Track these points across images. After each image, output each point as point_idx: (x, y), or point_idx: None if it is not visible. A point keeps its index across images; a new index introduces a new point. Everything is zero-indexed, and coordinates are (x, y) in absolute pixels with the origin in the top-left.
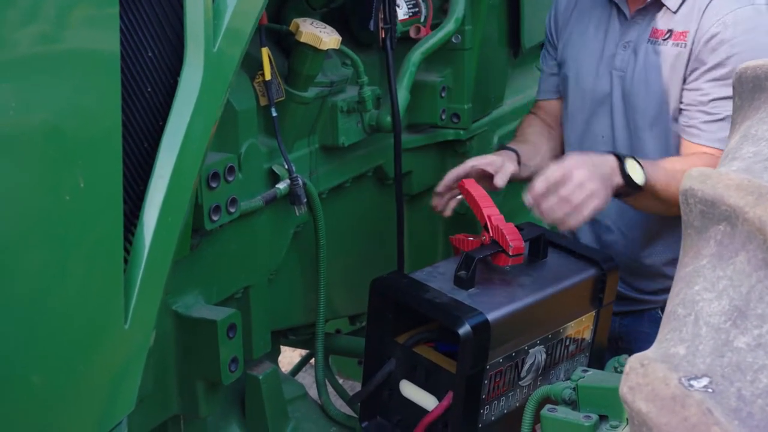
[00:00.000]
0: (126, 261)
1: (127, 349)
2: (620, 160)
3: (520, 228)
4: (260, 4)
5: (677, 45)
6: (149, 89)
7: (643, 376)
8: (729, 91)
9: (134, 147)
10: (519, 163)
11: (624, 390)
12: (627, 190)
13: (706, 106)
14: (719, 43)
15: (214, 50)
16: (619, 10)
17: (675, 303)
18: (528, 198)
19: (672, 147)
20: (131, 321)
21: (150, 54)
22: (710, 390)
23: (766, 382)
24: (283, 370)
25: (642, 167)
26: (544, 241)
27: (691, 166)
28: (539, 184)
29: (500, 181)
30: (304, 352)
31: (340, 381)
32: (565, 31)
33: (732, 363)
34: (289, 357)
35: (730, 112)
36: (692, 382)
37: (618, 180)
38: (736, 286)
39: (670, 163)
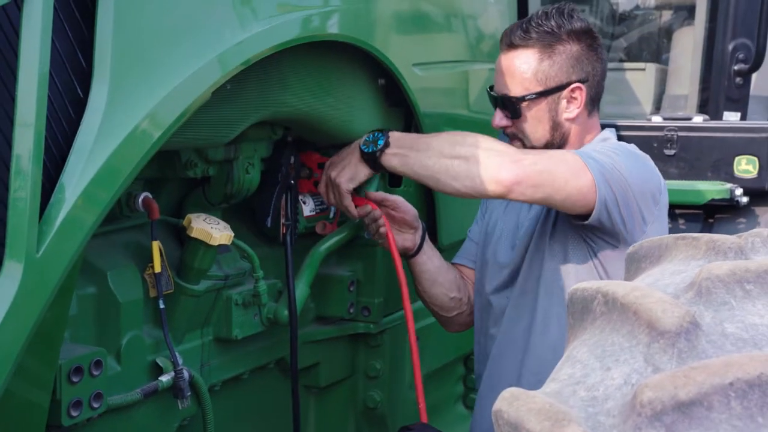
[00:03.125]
0: None
1: None
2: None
3: (410, 429)
4: (96, 214)
5: None
6: None
7: None
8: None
9: None
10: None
11: None
12: (368, 156)
13: None
14: None
15: (37, 257)
16: None
17: None
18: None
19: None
20: None
21: None
22: None
23: None
24: None
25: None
26: None
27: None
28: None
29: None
30: None
31: None
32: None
33: None
34: None
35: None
36: None
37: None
38: None
39: (437, 137)
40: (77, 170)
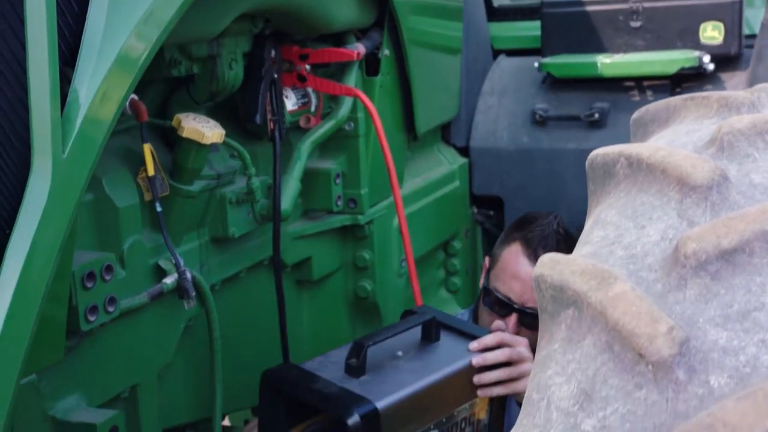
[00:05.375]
0: None
1: None
2: None
3: (413, 312)
4: (114, 109)
5: None
6: None
7: None
8: None
9: None
10: None
11: None
12: None
13: None
14: None
15: (64, 157)
16: None
17: (531, 388)
18: (474, 345)
19: None
20: None
21: None
22: None
23: None
24: None
25: None
26: (436, 324)
27: None
28: (489, 338)
29: None
30: None
31: None
32: None
33: None
34: None
35: None
36: None
37: None
38: (583, 369)
39: None
40: (89, 66)
